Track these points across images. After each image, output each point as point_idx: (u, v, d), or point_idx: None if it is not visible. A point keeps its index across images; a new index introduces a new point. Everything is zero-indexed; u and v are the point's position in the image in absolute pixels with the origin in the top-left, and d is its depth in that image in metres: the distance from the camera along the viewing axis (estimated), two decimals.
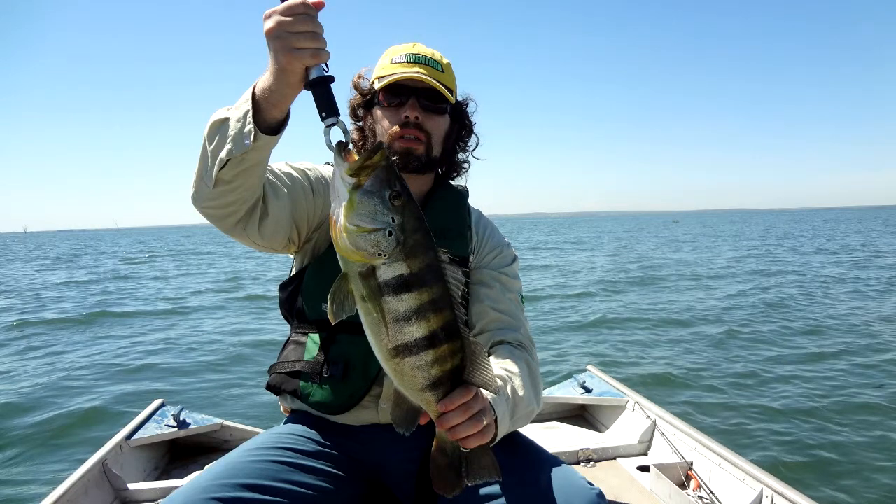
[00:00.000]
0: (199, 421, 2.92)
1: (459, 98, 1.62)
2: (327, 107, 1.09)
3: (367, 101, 1.57)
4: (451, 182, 1.70)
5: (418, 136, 1.49)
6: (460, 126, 1.64)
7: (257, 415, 5.19)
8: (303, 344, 1.52)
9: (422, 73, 1.47)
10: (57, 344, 8.84)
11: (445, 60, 1.56)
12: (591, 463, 2.66)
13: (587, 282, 15.39)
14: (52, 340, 9.14)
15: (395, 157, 1.14)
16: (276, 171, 1.41)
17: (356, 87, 1.59)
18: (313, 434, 1.48)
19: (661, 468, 2.41)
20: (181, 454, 2.91)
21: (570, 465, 1.49)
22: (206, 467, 1.35)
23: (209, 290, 15.78)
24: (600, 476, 2.55)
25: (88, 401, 5.80)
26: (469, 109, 1.66)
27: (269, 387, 1.57)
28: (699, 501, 2.27)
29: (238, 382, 6.41)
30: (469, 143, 1.68)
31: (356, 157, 0.99)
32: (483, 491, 1.31)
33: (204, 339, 8.78)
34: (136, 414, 2.93)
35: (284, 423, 1.56)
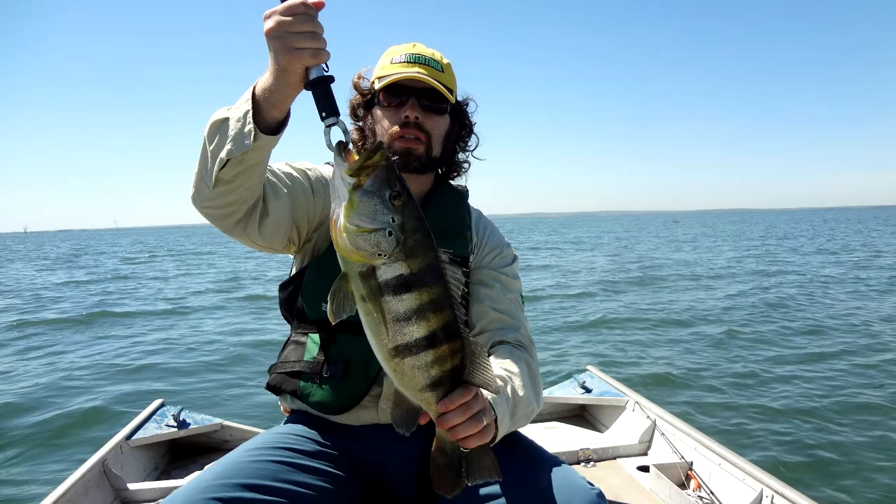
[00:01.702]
0: (199, 421, 2.92)
1: (459, 98, 1.62)
2: (327, 107, 1.09)
3: (367, 101, 1.57)
4: (451, 182, 1.70)
5: (418, 136, 1.49)
6: (460, 126, 1.64)
7: (257, 415, 5.19)
8: (303, 344, 1.52)
9: (422, 73, 1.47)
10: (57, 344, 8.84)
11: (445, 60, 1.56)
12: (591, 463, 2.66)
13: (587, 282, 15.39)
14: (52, 340, 9.14)
15: (395, 157, 1.14)
16: (276, 171, 1.41)
17: (356, 87, 1.59)
18: (313, 434, 1.48)
19: (661, 468, 2.41)
20: (181, 454, 2.91)
21: (570, 465, 1.49)
22: (206, 467, 1.35)
23: (209, 290, 15.78)
24: (600, 476, 2.55)
25: (88, 401, 5.80)
26: (469, 109, 1.66)
27: (269, 387, 1.57)
28: (699, 501, 2.26)
29: (238, 382, 6.42)
30: (469, 143, 1.68)
31: (356, 157, 0.99)
32: (483, 491, 1.31)
33: (204, 339, 8.78)
34: (136, 414, 2.93)
35: (284, 423, 1.56)
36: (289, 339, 1.59)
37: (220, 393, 6.09)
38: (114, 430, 2.75)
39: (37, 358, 7.93)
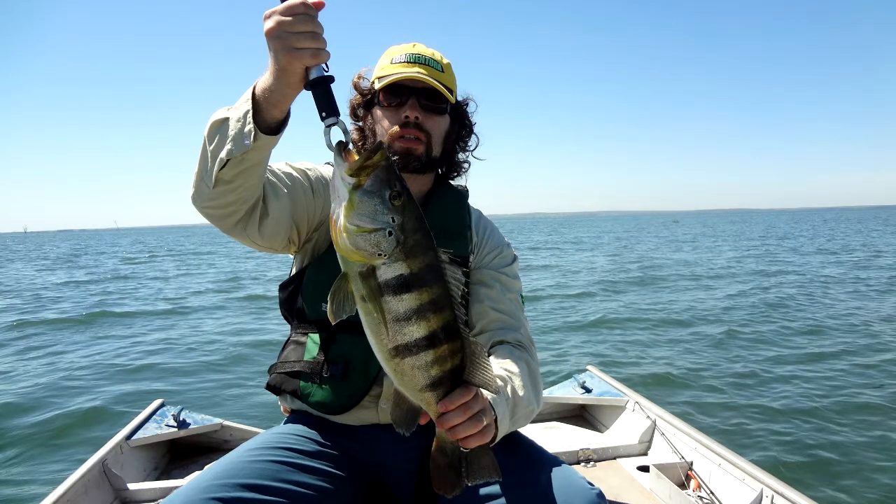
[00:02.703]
0: (199, 421, 2.92)
1: (459, 98, 1.62)
2: (327, 107, 1.09)
3: (367, 101, 1.57)
4: (451, 182, 1.70)
5: (418, 136, 1.49)
6: (460, 126, 1.64)
7: (257, 415, 5.19)
8: (303, 344, 1.52)
9: (422, 73, 1.47)
10: (57, 344, 8.84)
11: (445, 60, 1.56)
12: (591, 463, 2.66)
13: (587, 282, 15.39)
14: (52, 340, 9.14)
15: (395, 157, 1.14)
16: (276, 171, 1.41)
17: (356, 87, 1.59)
18: (313, 434, 1.49)
19: (661, 468, 2.41)
20: (181, 454, 2.91)
21: (570, 465, 1.49)
22: (206, 467, 1.35)
23: (209, 290, 15.77)
24: (600, 476, 2.55)
25: (88, 401, 5.80)
26: (469, 109, 1.66)
27: (269, 387, 1.57)
28: (699, 501, 2.26)
29: (238, 382, 6.42)
30: (469, 143, 1.68)
31: (356, 157, 0.99)
32: (483, 491, 1.31)
33: (204, 339, 8.78)
34: (136, 414, 2.93)
35: (284, 423, 1.56)
36: (289, 339, 1.59)
37: (220, 393, 6.09)
38: (114, 430, 2.75)
39: (37, 358, 7.93)
